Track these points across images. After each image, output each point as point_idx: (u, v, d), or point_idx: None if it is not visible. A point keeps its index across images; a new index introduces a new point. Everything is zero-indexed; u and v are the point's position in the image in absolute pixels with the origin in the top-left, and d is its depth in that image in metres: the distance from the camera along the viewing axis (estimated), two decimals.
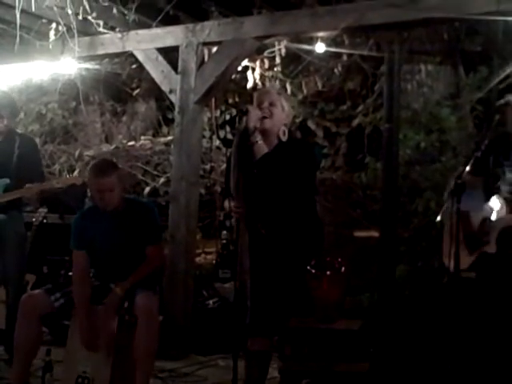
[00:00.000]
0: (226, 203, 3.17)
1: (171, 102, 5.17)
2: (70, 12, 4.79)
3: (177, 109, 4.86)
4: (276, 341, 3.24)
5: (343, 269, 2.92)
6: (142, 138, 7.35)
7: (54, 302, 3.52)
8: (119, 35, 5.10)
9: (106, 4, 4.85)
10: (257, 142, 3.06)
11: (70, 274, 4.31)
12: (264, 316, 3.11)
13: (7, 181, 4.25)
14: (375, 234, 5.66)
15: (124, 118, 7.92)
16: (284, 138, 3.18)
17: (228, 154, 3.45)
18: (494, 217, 3.19)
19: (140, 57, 5.06)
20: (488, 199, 3.28)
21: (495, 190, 3.24)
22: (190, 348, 4.66)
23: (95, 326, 3.45)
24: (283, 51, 5.43)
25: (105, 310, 3.45)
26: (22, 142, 4.38)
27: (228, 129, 7.06)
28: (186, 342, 4.65)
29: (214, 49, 4.80)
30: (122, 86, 7.43)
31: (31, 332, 3.49)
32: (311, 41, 5.29)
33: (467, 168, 2.96)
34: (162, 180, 6.60)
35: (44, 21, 5.15)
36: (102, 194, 3.48)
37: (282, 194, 3.06)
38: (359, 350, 2.86)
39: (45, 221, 4.96)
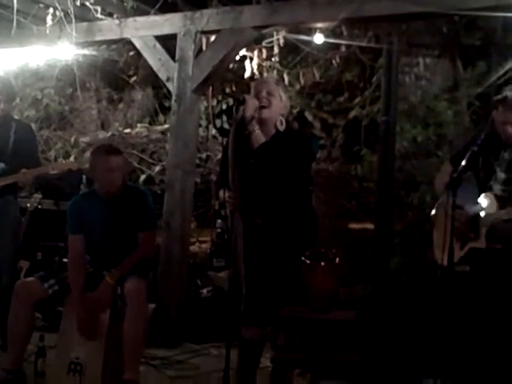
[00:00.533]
0: (221, 193, 3.17)
1: (168, 90, 5.16)
2: None
3: (174, 97, 4.84)
4: (269, 330, 3.25)
5: (337, 260, 2.94)
6: (139, 125, 7.33)
7: (48, 288, 3.53)
8: (117, 22, 5.08)
9: None
10: (254, 131, 3.06)
11: (65, 260, 4.31)
12: (258, 305, 3.11)
13: (2, 165, 4.22)
14: (370, 226, 5.68)
15: (120, 106, 7.90)
16: (281, 128, 3.18)
17: (224, 143, 3.45)
18: (483, 213, 3.21)
19: (138, 44, 5.04)
20: (479, 195, 3.29)
21: (487, 188, 3.26)
22: (183, 336, 4.67)
23: (89, 312, 3.45)
24: (281, 41, 5.41)
25: (97, 298, 3.46)
26: (18, 128, 4.35)
27: (224, 118, 7.05)
28: (179, 331, 4.66)
29: (212, 37, 4.78)
30: (119, 73, 7.40)
31: (24, 319, 3.50)
32: (310, 31, 5.27)
33: (463, 162, 2.96)
34: (157, 168, 6.59)
35: (41, 5, 5.12)
36: (111, 172, 3.50)
37: (278, 183, 3.06)
38: (353, 340, 2.87)
39: (39, 206, 4.95)
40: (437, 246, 3.32)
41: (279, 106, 3.17)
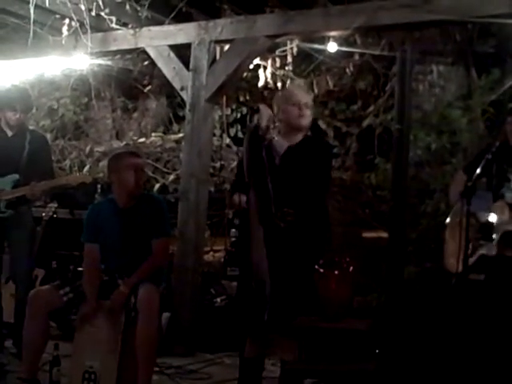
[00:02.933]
0: (236, 197, 3.16)
1: (182, 99, 5.19)
2: (83, 8, 4.82)
3: (188, 106, 4.87)
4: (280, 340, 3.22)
5: (351, 268, 2.92)
6: (153, 134, 7.36)
7: (63, 296, 3.54)
8: (132, 31, 5.12)
9: (119, 0, 4.87)
10: (274, 138, 3.10)
11: (79, 269, 4.35)
12: (283, 312, 3.08)
13: (16, 177, 4.25)
14: (384, 234, 5.65)
15: (135, 115, 7.94)
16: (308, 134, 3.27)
17: (239, 152, 3.51)
18: (495, 220, 3.20)
19: (152, 53, 5.08)
20: (492, 202, 3.28)
21: (499, 196, 3.25)
22: (197, 345, 4.67)
23: (103, 320, 3.46)
24: (295, 50, 5.42)
25: (111, 307, 3.47)
26: (33, 138, 4.38)
27: (238, 127, 7.07)
28: (192, 340, 4.66)
29: (226, 46, 4.81)
30: (133, 82, 7.44)
31: (40, 328, 3.52)
32: (323, 40, 5.28)
33: (478, 170, 2.94)
34: (171, 177, 6.61)
35: (57, 16, 5.17)
36: (137, 173, 3.55)
37: (302, 187, 3.09)
38: (366, 349, 2.85)
39: (55, 216, 4.98)
40: (450, 254, 3.30)
41: (310, 116, 3.30)
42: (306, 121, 3.26)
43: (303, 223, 3.11)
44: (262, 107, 3.12)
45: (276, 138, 3.13)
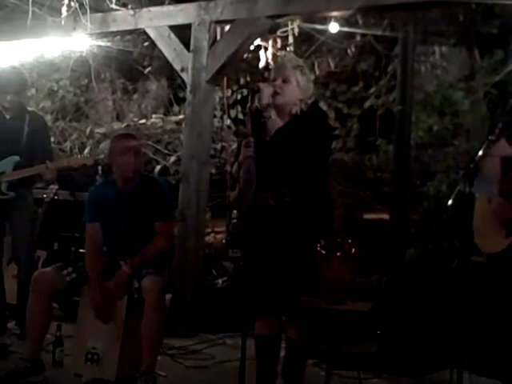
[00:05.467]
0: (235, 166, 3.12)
1: (183, 81, 5.16)
2: None
3: (188, 87, 4.84)
4: (284, 321, 3.24)
5: (353, 250, 2.91)
6: (153, 116, 7.34)
7: (66, 276, 3.56)
8: (131, 12, 5.07)
9: None
10: (270, 117, 3.06)
11: (81, 250, 4.35)
12: (272, 295, 3.09)
13: (17, 158, 4.23)
14: (385, 216, 5.65)
15: (135, 96, 7.91)
16: (298, 112, 3.13)
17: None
18: None
19: (152, 34, 5.04)
20: None
21: None
22: (199, 326, 4.69)
23: (106, 300, 3.48)
24: (296, 31, 5.38)
25: (114, 287, 3.48)
26: (32, 120, 4.36)
27: (239, 108, 7.04)
28: (194, 321, 4.68)
29: (227, 27, 4.76)
30: (133, 63, 7.41)
31: (43, 309, 3.53)
32: (324, 20, 5.24)
33: (480, 152, 2.93)
34: (172, 159, 6.60)
35: None
36: (124, 155, 3.53)
37: (295, 164, 3.04)
38: (367, 331, 2.86)
39: (56, 197, 4.98)
40: (478, 234, 3.21)
41: (295, 91, 3.12)
42: (281, 99, 3.07)
43: (301, 203, 3.08)
44: (263, 85, 3.09)
45: (272, 118, 3.08)
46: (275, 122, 3.07)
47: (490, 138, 3.02)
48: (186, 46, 4.85)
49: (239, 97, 7.00)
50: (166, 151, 6.78)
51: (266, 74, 6.02)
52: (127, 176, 3.58)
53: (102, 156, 6.17)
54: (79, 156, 5.37)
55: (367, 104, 6.56)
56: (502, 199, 2.97)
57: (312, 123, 3.11)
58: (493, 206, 2.77)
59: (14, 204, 4.28)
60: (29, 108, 4.67)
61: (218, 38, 4.80)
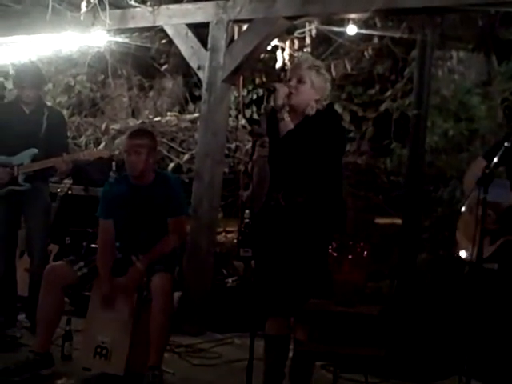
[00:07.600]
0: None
1: (199, 79, 5.16)
2: None
3: (204, 86, 4.85)
4: (292, 322, 3.23)
5: (365, 253, 2.91)
6: (168, 114, 7.36)
7: (77, 270, 3.58)
8: (150, 9, 5.09)
9: None
10: (283, 119, 3.05)
11: (93, 245, 4.37)
12: (282, 295, 3.08)
13: (35, 151, 4.28)
14: (397, 220, 5.62)
15: (151, 94, 7.94)
16: (312, 113, 3.13)
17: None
18: None
19: (170, 32, 5.05)
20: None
21: None
22: (207, 325, 4.69)
23: (116, 296, 3.49)
24: (314, 32, 5.37)
25: (125, 284, 3.49)
26: (51, 114, 4.40)
27: (254, 108, 7.04)
28: (203, 319, 4.69)
29: (245, 26, 4.77)
30: (150, 60, 7.43)
31: (54, 303, 3.56)
32: (342, 22, 5.22)
33: (495, 159, 2.91)
34: (186, 157, 6.61)
35: None
36: (131, 156, 3.54)
37: (307, 165, 3.03)
38: (377, 335, 2.85)
39: (69, 192, 5.01)
40: (464, 243, 3.27)
41: (309, 92, 3.12)
42: (296, 99, 3.08)
43: (312, 204, 3.07)
44: (279, 86, 3.09)
45: (286, 119, 3.08)
46: (287, 123, 3.07)
47: (506, 144, 3.01)
48: (204, 44, 4.86)
49: (255, 97, 7.01)
50: (180, 149, 6.78)
51: (282, 75, 6.03)
52: (133, 175, 3.59)
53: (116, 152, 6.20)
54: (95, 149, 5.39)
55: (383, 107, 6.53)
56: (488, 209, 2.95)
57: (324, 124, 3.11)
58: (476, 215, 2.77)
59: (30, 196, 4.31)
60: (48, 103, 4.71)
61: (236, 37, 4.80)
